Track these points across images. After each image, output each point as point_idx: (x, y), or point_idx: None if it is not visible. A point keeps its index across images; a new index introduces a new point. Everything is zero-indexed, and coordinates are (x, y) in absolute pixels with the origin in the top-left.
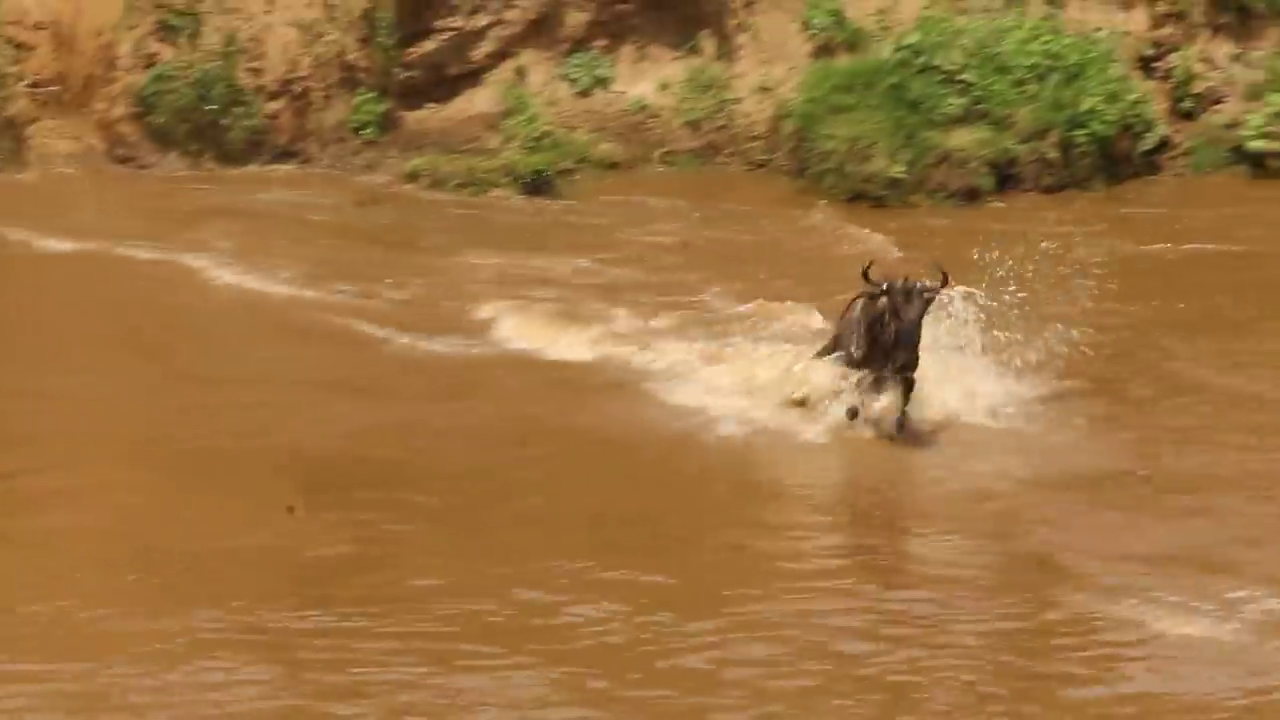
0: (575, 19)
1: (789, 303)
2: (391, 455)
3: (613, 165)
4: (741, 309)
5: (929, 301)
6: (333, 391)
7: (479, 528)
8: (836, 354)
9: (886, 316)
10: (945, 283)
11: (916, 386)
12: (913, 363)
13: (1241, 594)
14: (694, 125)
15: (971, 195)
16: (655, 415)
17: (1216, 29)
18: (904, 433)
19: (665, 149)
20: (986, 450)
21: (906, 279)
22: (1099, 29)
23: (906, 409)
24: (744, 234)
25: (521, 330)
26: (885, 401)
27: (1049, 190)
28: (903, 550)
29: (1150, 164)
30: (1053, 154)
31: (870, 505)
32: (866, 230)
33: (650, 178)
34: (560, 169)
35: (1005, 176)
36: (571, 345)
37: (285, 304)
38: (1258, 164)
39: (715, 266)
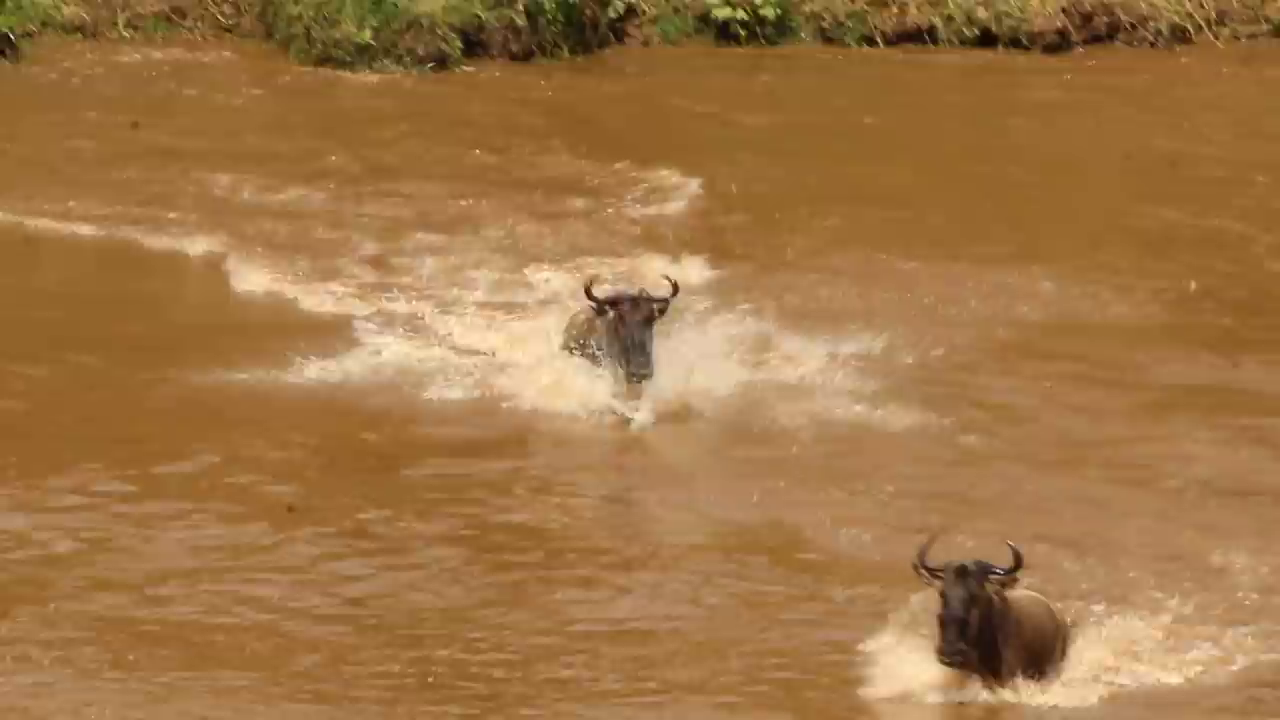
0: None
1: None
2: None
3: (78, 29)
4: None
5: (659, 311)
6: None
7: None
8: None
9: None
10: (675, 292)
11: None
12: (647, 368)
13: None
14: None
15: (440, 60)
16: None
17: None
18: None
19: (131, 12)
20: None
21: (641, 291)
22: None
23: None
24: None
25: None
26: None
27: (517, 57)
28: None
29: (618, 32)
30: (520, 21)
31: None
32: None
33: (117, 41)
34: (23, 32)
35: (473, 42)
36: None
37: None
38: (723, 32)
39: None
